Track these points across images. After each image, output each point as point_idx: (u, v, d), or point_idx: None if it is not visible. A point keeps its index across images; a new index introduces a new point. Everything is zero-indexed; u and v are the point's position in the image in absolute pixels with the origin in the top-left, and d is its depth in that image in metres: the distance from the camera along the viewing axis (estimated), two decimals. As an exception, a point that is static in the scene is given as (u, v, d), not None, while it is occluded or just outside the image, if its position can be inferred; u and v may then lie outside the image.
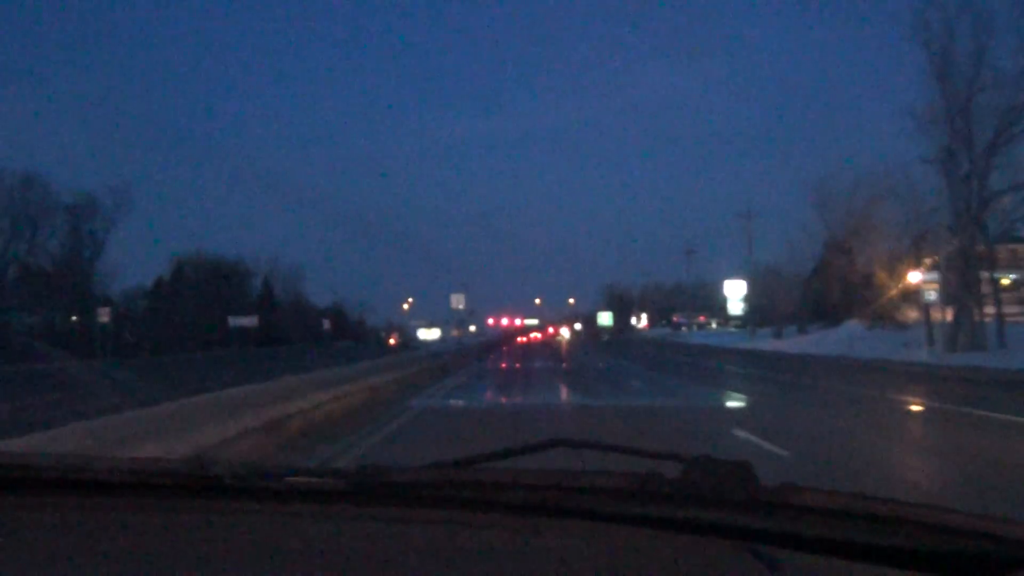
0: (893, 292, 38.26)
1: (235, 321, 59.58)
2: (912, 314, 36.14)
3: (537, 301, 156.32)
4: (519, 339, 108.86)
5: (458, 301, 40.36)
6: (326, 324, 67.68)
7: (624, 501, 1.23)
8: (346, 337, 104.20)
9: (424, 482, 1.32)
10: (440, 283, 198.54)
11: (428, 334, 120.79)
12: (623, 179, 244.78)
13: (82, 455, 1.47)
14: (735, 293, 77.70)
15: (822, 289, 45.87)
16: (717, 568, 1.09)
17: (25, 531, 1.26)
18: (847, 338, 34.88)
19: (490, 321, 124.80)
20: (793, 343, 39.76)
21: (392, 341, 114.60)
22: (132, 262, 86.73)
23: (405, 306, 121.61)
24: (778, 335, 47.57)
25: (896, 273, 38.32)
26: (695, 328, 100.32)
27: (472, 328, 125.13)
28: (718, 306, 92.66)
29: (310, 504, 1.32)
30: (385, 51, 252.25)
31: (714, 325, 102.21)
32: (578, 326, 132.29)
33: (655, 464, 1.31)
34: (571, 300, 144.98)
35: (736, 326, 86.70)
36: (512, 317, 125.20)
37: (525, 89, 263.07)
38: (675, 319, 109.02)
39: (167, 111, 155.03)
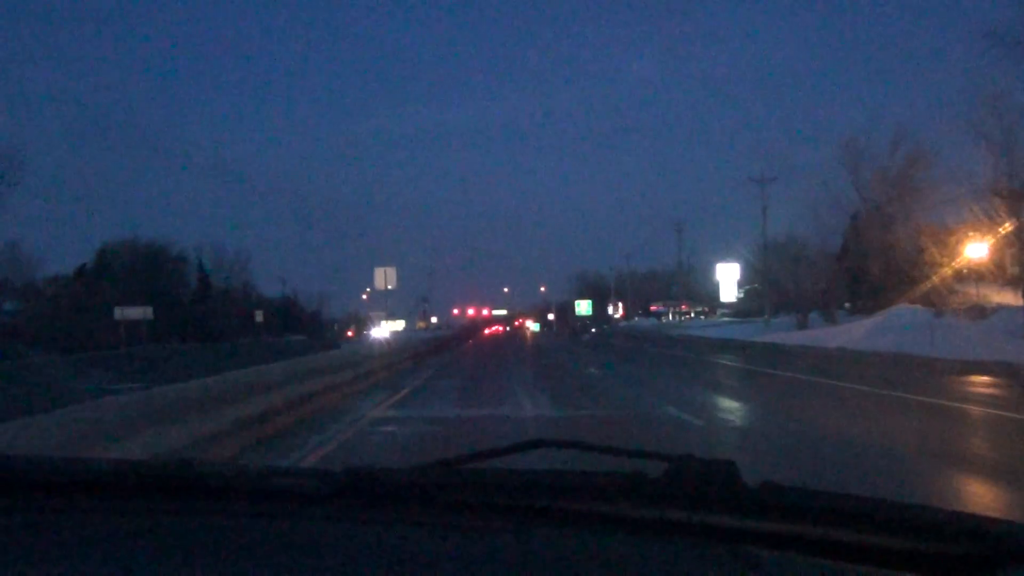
0: (960, 267, 30.25)
1: (123, 313, 49.77)
2: (1000, 297, 28.11)
3: (505, 290, 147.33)
4: (485, 332, 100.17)
5: (386, 278, 28.75)
6: (259, 316, 57.95)
7: (608, 501, 1.24)
8: (298, 330, 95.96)
9: (409, 483, 1.33)
10: (407, 274, 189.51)
11: (393, 326, 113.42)
12: (598, 163, 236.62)
13: (66, 456, 1.47)
14: (728, 277, 69.13)
15: (855, 268, 37.60)
16: (700, 568, 1.09)
17: (8, 532, 1.26)
18: (917, 327, 26.41)
19: (455, 311, 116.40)
20: (835, 335, 31.07)
21: (350, 333, 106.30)
22: (62, 250, 76.15)
23: (364, 296, 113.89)
24: (803, 325, 38.90)
25: (959, 245, 30.33)
26: (679, 318, 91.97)
27: (434, 319, 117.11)
28: (706, 293, 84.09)
29: (295, 505, 1.31)
30: (349, 40, 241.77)
31: (693, 315, 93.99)
32: (551, 316, 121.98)
33: (639, 464, 1.29)
34: (542, 288, 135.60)
35: (725, 315, 78.29)
36: (479, 307, 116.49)
37: (493, 77, 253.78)
38: (653, 308, 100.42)
39: (106, 91, 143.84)
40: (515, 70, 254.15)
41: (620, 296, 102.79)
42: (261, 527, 1.27)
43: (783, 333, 36.05)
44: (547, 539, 1.19)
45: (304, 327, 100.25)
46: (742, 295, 71.62)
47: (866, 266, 36.49)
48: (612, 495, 1.25)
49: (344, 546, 1.19)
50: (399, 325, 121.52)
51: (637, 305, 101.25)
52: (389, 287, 29.21)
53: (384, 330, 44.53)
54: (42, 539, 1.23)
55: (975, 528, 1.11)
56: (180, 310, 62.43)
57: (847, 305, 42.51)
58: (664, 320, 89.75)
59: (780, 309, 46.94)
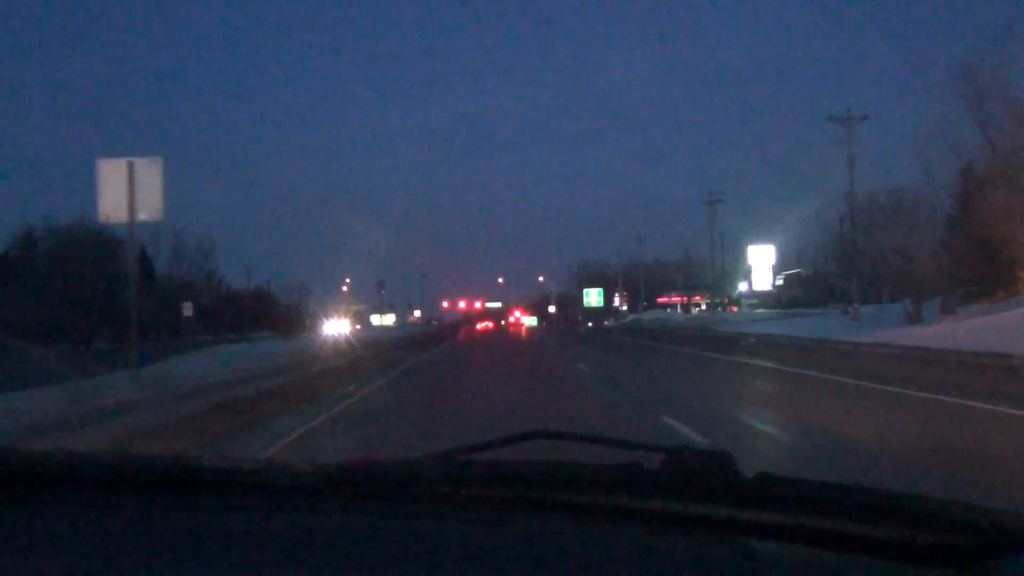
0: None
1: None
2: None
3: (500, 280, 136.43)
4: (475, 328, 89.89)
5: (130, 188, 11.64)
6: (187, 310, 47.15)
7: (604, 493, 1.24)
8: (270, 326, 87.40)
9: (404, 476, 1.33)
10: (402, 264, 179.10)
11: (383, 320, 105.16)
12: (601, 149, 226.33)
13: (64, 451, 1.47)
14: (762, 262, 58.91)
15: (977, 238, 27.35)
16: (696, 560, 1.10)
17: (7, 529, 1.26)
18: None
19: (445, 304, 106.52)
20: (985, 332, 20.94)
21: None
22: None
23: (344, 288, 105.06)
24: (916, 317, 28.40)
25: None
26: (692, 310, 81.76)
27: (417, 313, 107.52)
28: (728, 283, 73.94)
29: (293, 499, 1.31)
30: (340, 26, 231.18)
31: (703, 307, 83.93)
32: (552, 308, 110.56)
33: (635, 455, 1.29)
34: (541, 277, 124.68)
35: (753, 306, 68.01)
36: (471, 300, 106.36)
37: (487, 67, 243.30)
38: (661, 299, 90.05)
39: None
40: (511, 58, 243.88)
41: (627, 286, 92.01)
42: (257, 521, 1.25)
43: (891, 330, 25.63)
44: (542, 531, 1.19)
45: (277, 321, 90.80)
46: (781, 282, 61.52)
47: (994, 234, 26.36)
48: (608, 486, 1.24)
49: (340, 539, 1.18)
50: (389, 319, 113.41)
51: (643, 297, 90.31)
52: (143, 217, 12.27)
53: (341, 325, 33.66)
54: (38, 534, 1.22)
55: (971, 518, 1.10)
56: (103, 302, 52.32)
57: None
58: (686, 313, 78.80)
59: (843, 297, 36.87)
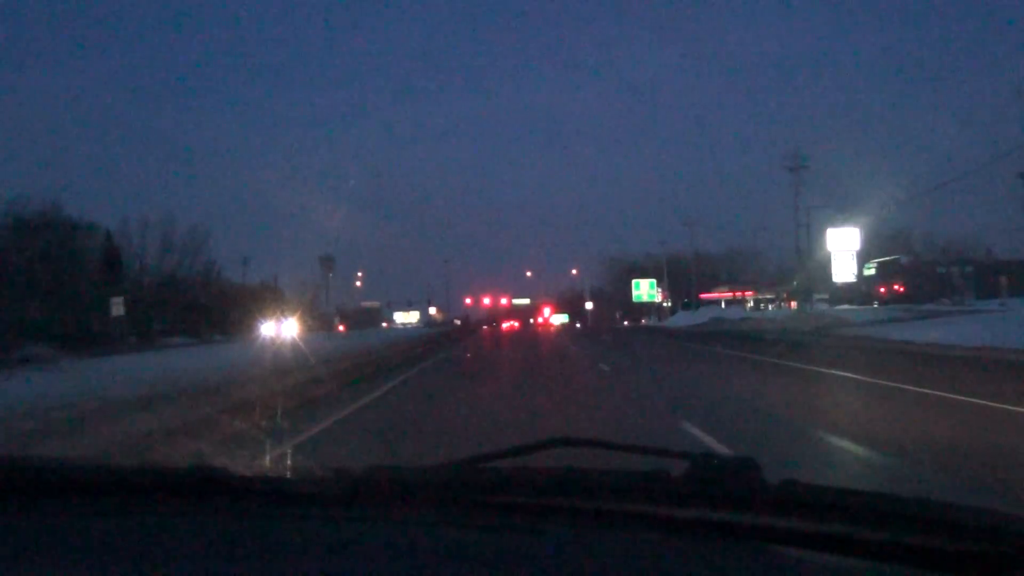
0: None
1: None
2: None
3: (528, 274, 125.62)
4: (501, 328, 79.83)
5: None
6: (117, 307, 37.69)
7: (630, 500, 1.25)
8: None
9: (428, 482, 1.34)
10: (423, 260, 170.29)
11: (406, 318, 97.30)
12: (638, 135, 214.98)
13: (91, 459, 1.64)
14: (845, 247, 47.97)
15: None
16: (722, 566, 1.10)
17: (30, 534, 1.27)
18: None
19: (468, 301, 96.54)
20: None
21: (341, 327, 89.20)
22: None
23: (357, 283, 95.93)
24: None
25: None
26: (744, 307, 71.03)
27: (432, 311, 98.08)
28: (786, 275, 63.09)
29: (314, 506, 1.32)
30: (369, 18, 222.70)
31: (751, 303, 73.29)
32: (589, 305, 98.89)
33: (660, 462, 1.30)
34: (574, 271, 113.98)
35: (826, 302, 56.93)
36: (496, 295, 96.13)
37: (518, 65, 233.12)
38: (707, 295, 79.15)
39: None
40: (537, 47, 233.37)
41: (673, 280, 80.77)
42: (281, 528, 1.25)
43: None
44: (568, 538, 1.18)
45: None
46: (873, 270, 50.54)
47: None
48: (634, 493, 1.25)
49: (364, 546, 1.18)
50: (412, 317, 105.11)
51: (695, 291, 78.98)
52: None
53: (288, 328, 24.87)
54: (65, 541, 1.23)
55: (997, 525, 1.08)
56: (58, 300, 43.46)
57: None
58: (742, 311, 67.23)
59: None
